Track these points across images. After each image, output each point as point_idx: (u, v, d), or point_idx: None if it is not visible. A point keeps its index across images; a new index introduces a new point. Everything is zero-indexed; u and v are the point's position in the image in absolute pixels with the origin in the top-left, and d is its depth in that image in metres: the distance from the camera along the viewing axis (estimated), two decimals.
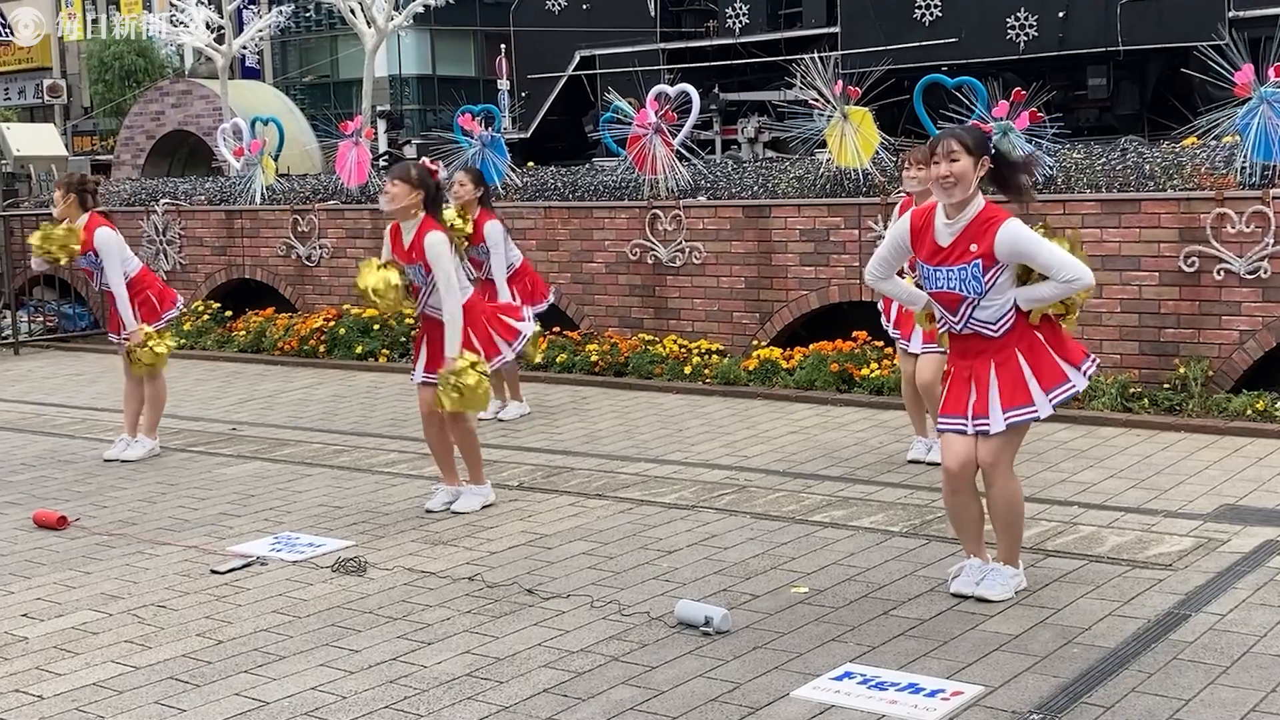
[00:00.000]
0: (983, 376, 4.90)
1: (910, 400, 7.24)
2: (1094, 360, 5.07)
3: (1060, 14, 14.20)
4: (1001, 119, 8.81)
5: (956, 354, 5.02)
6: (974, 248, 4.80)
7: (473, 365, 6.31)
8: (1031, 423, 4.92)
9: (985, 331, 4.89)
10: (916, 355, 6.96)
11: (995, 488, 4.94)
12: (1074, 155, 9.04)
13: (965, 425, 4.92)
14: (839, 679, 4.29)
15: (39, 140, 21.37)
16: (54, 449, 8.55)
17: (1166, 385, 8.23)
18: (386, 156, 19.99)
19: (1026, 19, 14.38)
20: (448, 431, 6.62)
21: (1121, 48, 13.89)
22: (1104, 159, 8.91)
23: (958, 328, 4.95)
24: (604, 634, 4.78)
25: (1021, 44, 14.44)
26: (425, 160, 6.99)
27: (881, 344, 9.30)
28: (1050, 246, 4.82)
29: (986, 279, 4.80)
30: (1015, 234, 4.78)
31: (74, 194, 7.97)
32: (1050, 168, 8.83)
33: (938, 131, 8.87)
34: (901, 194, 7.42)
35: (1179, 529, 5.84)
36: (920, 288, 5.19)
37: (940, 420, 5.05)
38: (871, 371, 9.17)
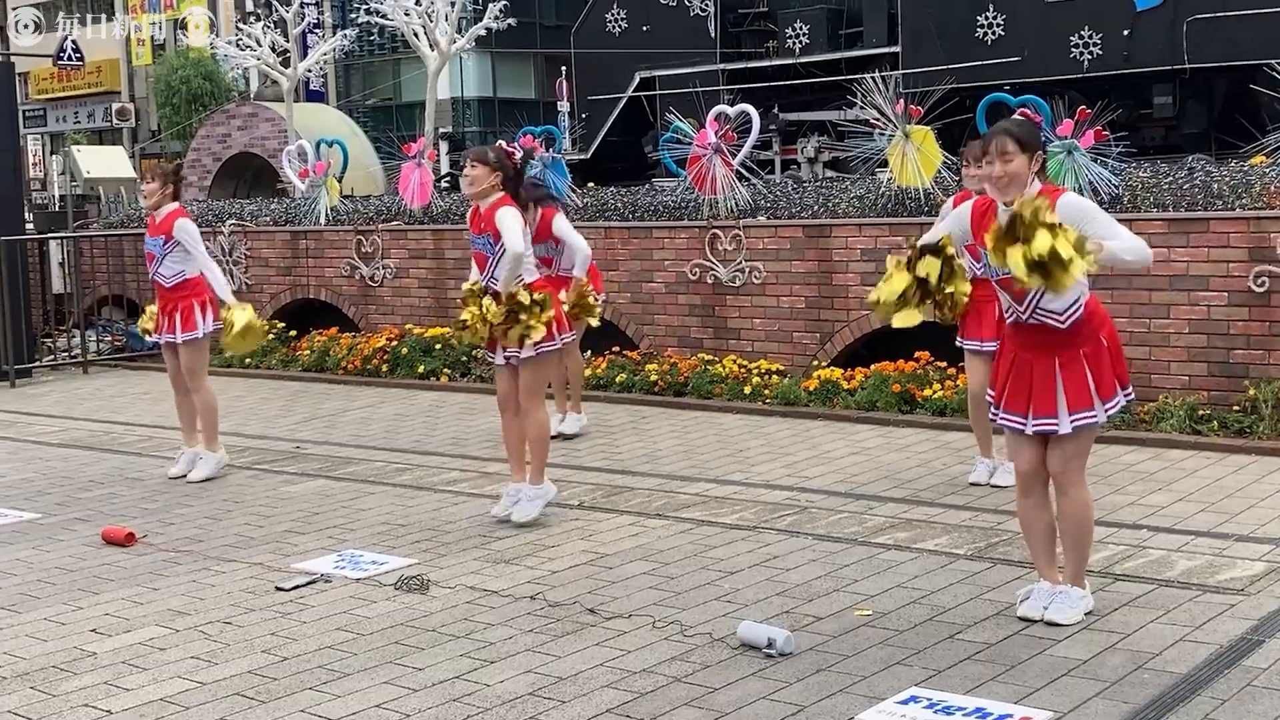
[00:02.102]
0: (1046, 374, 4.82)
1: (977, 418, 7.14)
2: (1130, 394, 4.99)
3: (1125, 32, 14.07)
4: (1066, 138, 8.74)
5: (1018, 345, 4.92)
6: None
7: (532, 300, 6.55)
8: (1096, 428, 4.87)
9: (1051, 322, 4.80)
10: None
11: (1067, 497, 4.89)
12: (1141, 174, 8.94)
13: (1025, 424, 4.86)
14: (904, 703, 4.24)
15: (108, 163, 21.76)
16: (122, 466, 8.67)
17: (1236, 407, 8.09)
18: (448, 178, 20.17)
19: (1090, 37, 14.27)
20: (523, 421, 6.70)
21: (1188, 66, 13.74)
22: (1171, 178, 8.80)
23: (1024, 317, 4.86)
24: (666, 655, 4.76)
25: (1085, 62, 14.32)
26: (501, 143, 7.18)
27: (944, 364, 9.22)
28: (1109, 218, 4.77)
29: None
30: (1072, 204, 4.75)
31: (171, 184, 8.18)
32: (1116, 187, 8.74)
33: None
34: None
35: (1250, 553, 5.73)
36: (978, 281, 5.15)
37: (1001, 415, 4.96)
38: (934, 392, 9.09)
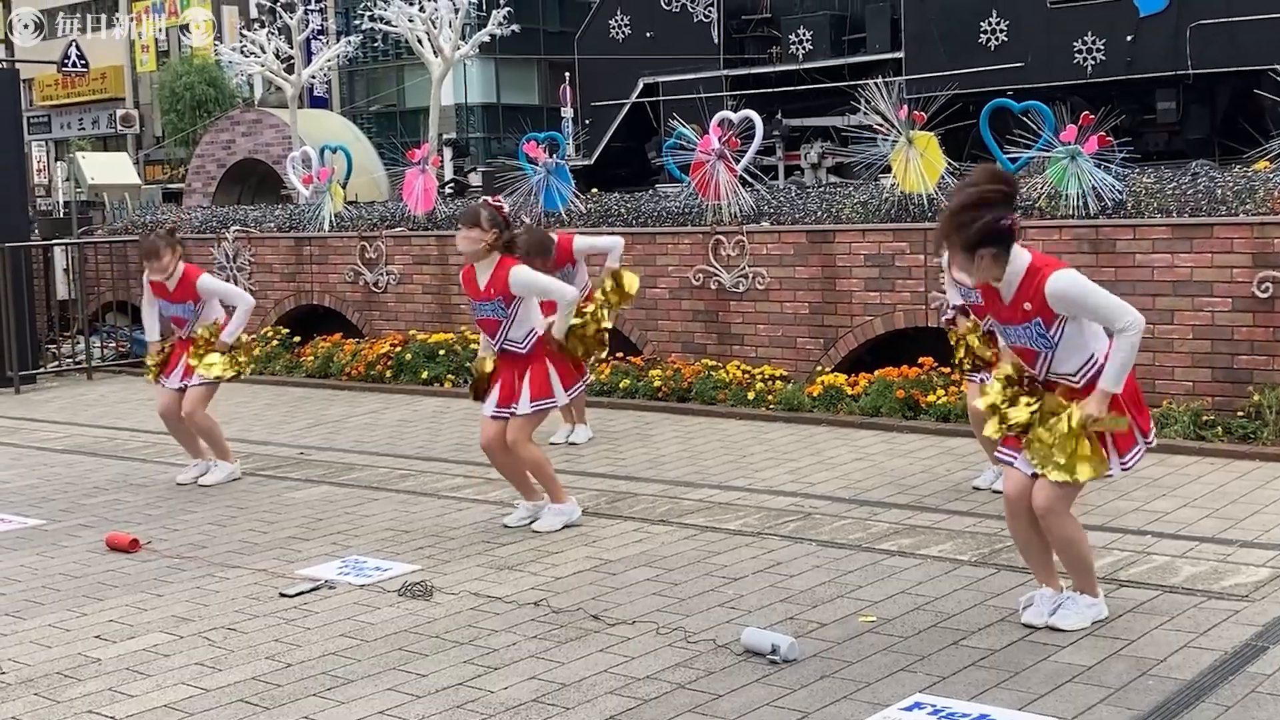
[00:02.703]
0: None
1: (979, 426, 7.16)
2: (1152, 442, 4.93)
3: (1128, 38, 14.06)
4: (1070, 144, 8.75)
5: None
6: (1028, 306, 4.68)
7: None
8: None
9: (1066, 383, 4.82)
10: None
11: (1052, 534, 4.88)
12: (1144, 180, 8.94)
13: (1016, 460, 4.89)
14: (909, 709, 4.24)
15: (112, 169, 21.83)
16: (126, 473, 8.68)
17: (1240, 413, 8.09)
18: (452, 184, 20.19)
19: (1094, 43, 14.26)
20: (512, 458, 6.67)
21: (1191, 71, 13.73)
22: (1174, 183, 8.80)
23: (1040, 379, 4.89)
24: (670, 661, 4.76)
25: (1089, 68, 14.32)
26: (486, 199, 7.11)
27: (948, 370, 9.22)
28: (1099, 294, 4.65)
29: (1052, 333, 4.71)
30: (1061, 289, 4.61)
31: (179, 247, 8.10)
32: (1120, 193, 8.74)
33: (1001, 155, 8.81)
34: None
35: (1255, 559, 5.72)
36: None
37: (999, 451, 5.05)
38: (938, 398, 9.09)
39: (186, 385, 8.10)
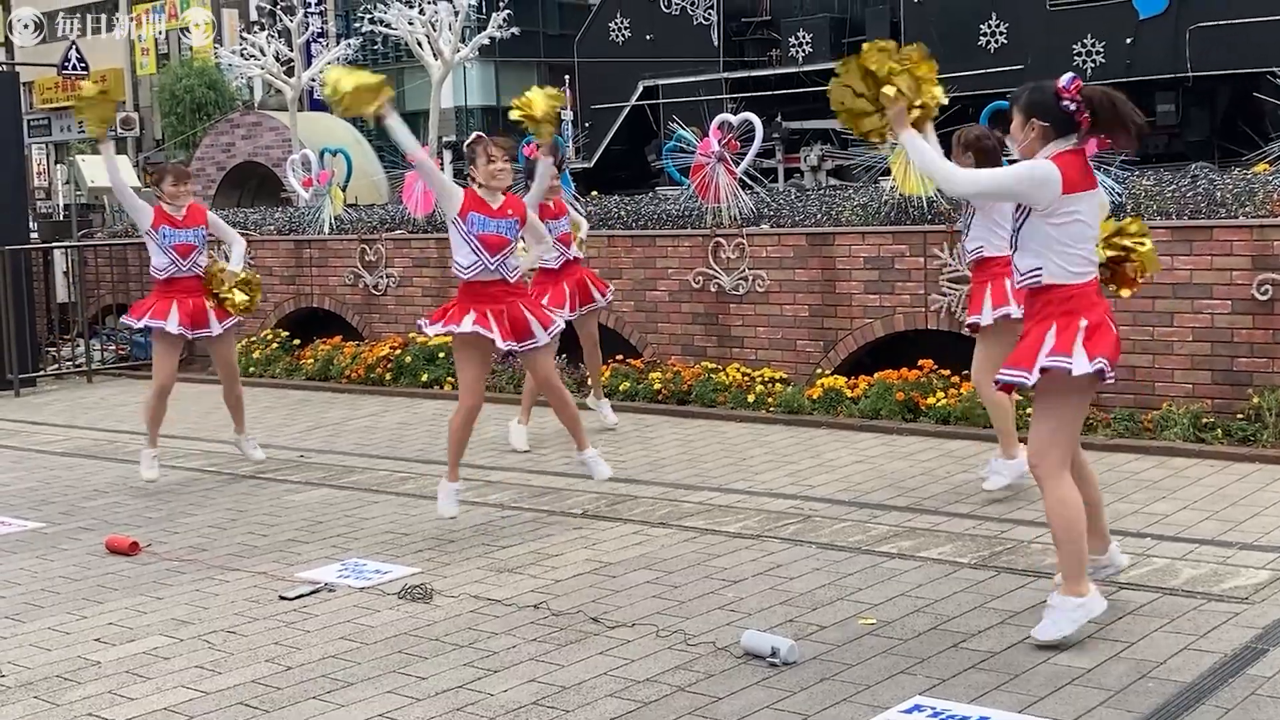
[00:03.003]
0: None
1: (997, 412, 7.06)
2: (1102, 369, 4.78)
3: (1128, 40, 14.08)
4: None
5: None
6: None
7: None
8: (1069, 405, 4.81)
9: (1025, 282, 4.87)
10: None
11: (1044, 493, 4.86)
12: (1143, 183, 8.94)
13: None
14: (908, 712, 4.24)
15: None
16: (126, 475, 8.67)
17: (1240, 415, 8.08)
18: None
19: (1093, 45, 14.28)
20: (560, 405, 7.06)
21: (1191, 73, 13.74)
22: (1174, 186, 8.80)
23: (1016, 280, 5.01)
24: (670, 664, 4.76)
25: (1088, 70, 14.33)
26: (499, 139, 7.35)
27: (948, 372, 9.23)
28: (1006, 171, 4.95)
29: (1018, 218, 4.85)
30: (1016, 165, 4.86)
31: (191, 182, 8.64)
32: (1119, 195, 8.74)
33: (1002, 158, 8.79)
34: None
35: (1255, 561, 5.72)
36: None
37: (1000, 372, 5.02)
38: (938, 400, 9.09)
39: (225, 327, 8.42)
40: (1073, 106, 4.74)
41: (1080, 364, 4.69)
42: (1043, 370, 4.72)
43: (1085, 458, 5.15)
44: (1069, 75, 4.86)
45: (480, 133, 7.43)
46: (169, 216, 8.24)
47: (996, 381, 4.98)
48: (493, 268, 6.74)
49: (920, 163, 5.01)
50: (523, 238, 6.98)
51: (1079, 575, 4.83)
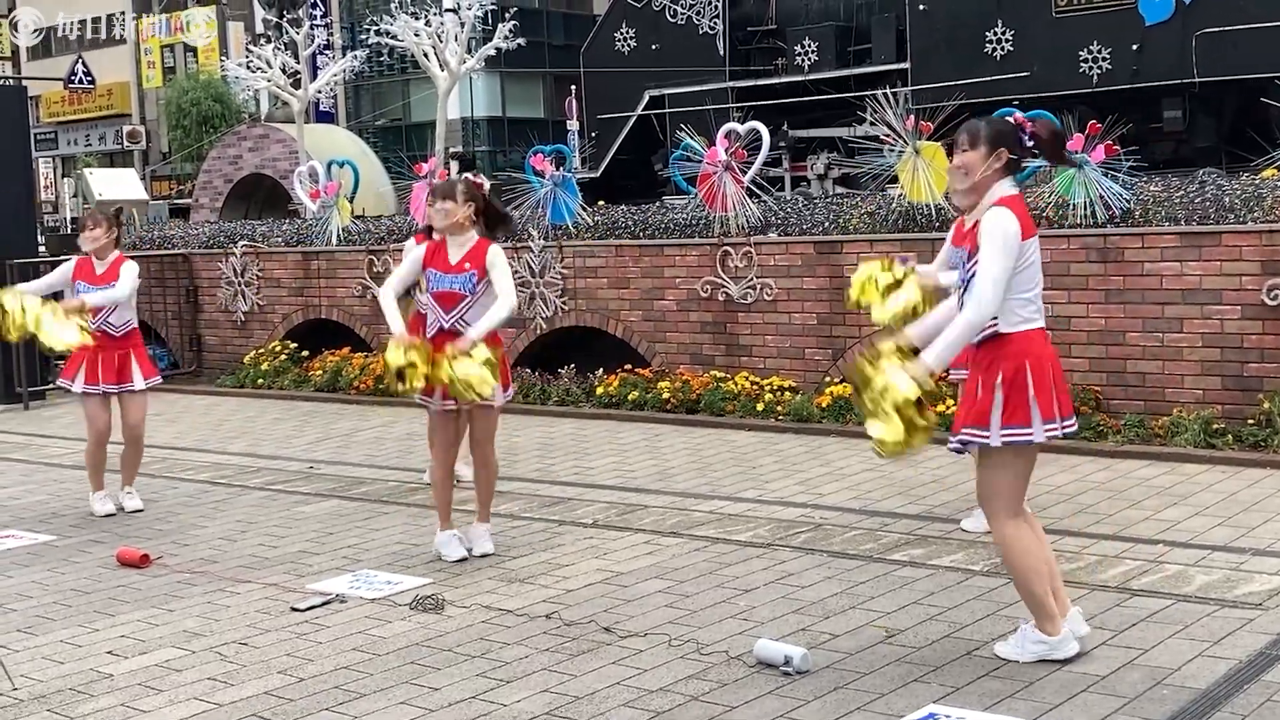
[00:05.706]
0: (969, 389, 4.72)
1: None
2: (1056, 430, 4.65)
3: (1134, 46, 14.06)
4: (1077, 153, 8.74)
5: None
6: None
7: (485, 361, 6.10)
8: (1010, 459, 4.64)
9: (983, 335, 4.65)
10: None
11: (993, 535, 4.77)
12: (1152, 188, 8.93)
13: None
14: None
15: (120, 184, 21.88)
16: (136, 488, 8.66)
17: (1251, 421, 8.07)
18: None
19: (1100, 51, 14.26)
20: (484, 470, 6.61)
21: (1197, 79, 13.73)
22: (1182, 192, 8.79)
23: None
24: (683, 673, 4.75)
25: (1095, 77, 14.31)
26: (468, 175, 7.04)
27: (957, 382, 9.20)
28: (997, 256, 4.47)
29: (968, 268, 4.61)
30: (989, 218, 4.56)
31: (116, 229, 7.88)
32: (1128, 201, 8.74)
33: None
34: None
35: (1268, 567, 5.71)
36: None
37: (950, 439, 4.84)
38: (947, 408, 9.06)
39: (133, 389, 7.86)
40: (1029, 141, 4.70)
41: (1039, 433, 4.59)
42: (1005, 443, 4.60)
43: (1036, 520, 4.85)
44: (1012, 110, 4.87)
45: (464, 176, 6.87)
46: (87, 264, 7.81)
47: (952, 443, 4.72)
48: (446, 326, 6.32)
49: (957, 345, 4.58)
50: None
51: (1043, 615, 4.68)
